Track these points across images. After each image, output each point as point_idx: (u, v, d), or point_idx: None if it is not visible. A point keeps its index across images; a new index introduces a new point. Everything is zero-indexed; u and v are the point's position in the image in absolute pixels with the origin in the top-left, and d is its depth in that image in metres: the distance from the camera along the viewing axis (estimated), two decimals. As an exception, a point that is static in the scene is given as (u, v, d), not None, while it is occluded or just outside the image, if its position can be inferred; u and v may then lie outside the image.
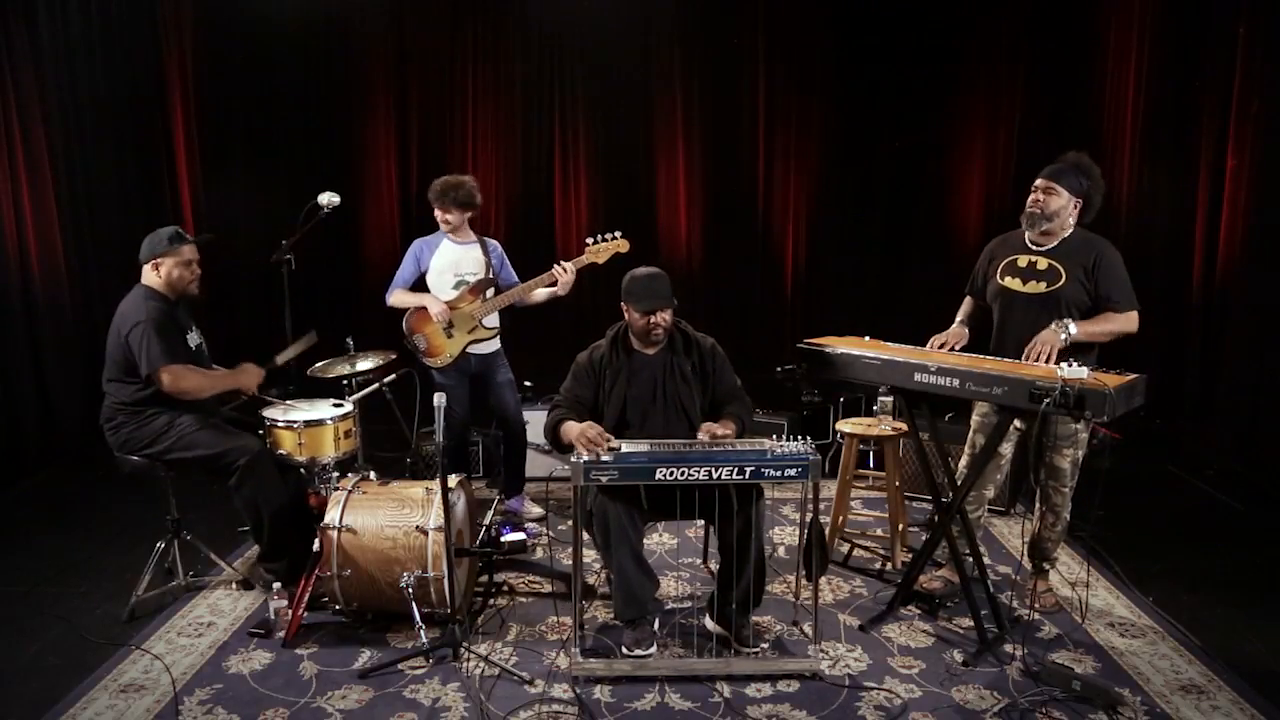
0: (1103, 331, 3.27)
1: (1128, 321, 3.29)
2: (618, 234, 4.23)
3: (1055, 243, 3.35)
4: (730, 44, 6.79)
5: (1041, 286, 3.34)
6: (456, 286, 4.29)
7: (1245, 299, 5.04)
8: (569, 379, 3.42)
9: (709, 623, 3.35)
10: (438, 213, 4.29)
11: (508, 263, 4.46)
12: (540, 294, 4.26)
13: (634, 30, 6.76)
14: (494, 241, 4.48)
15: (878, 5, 6.59)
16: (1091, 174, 3.32)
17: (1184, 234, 5.43)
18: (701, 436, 3.14)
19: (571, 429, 3.15)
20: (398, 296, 4.32)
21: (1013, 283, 3.41)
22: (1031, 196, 3.35)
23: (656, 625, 3.32)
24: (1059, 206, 3.30)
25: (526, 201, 6.97)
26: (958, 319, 3.65)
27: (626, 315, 3.37)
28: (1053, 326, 3.20)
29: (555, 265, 4.20)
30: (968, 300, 3.70)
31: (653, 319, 3.28)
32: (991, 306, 3.53)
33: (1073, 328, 3.18)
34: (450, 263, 4.29)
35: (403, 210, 6.94)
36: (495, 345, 4.39)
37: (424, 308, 4.22)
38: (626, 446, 3.05)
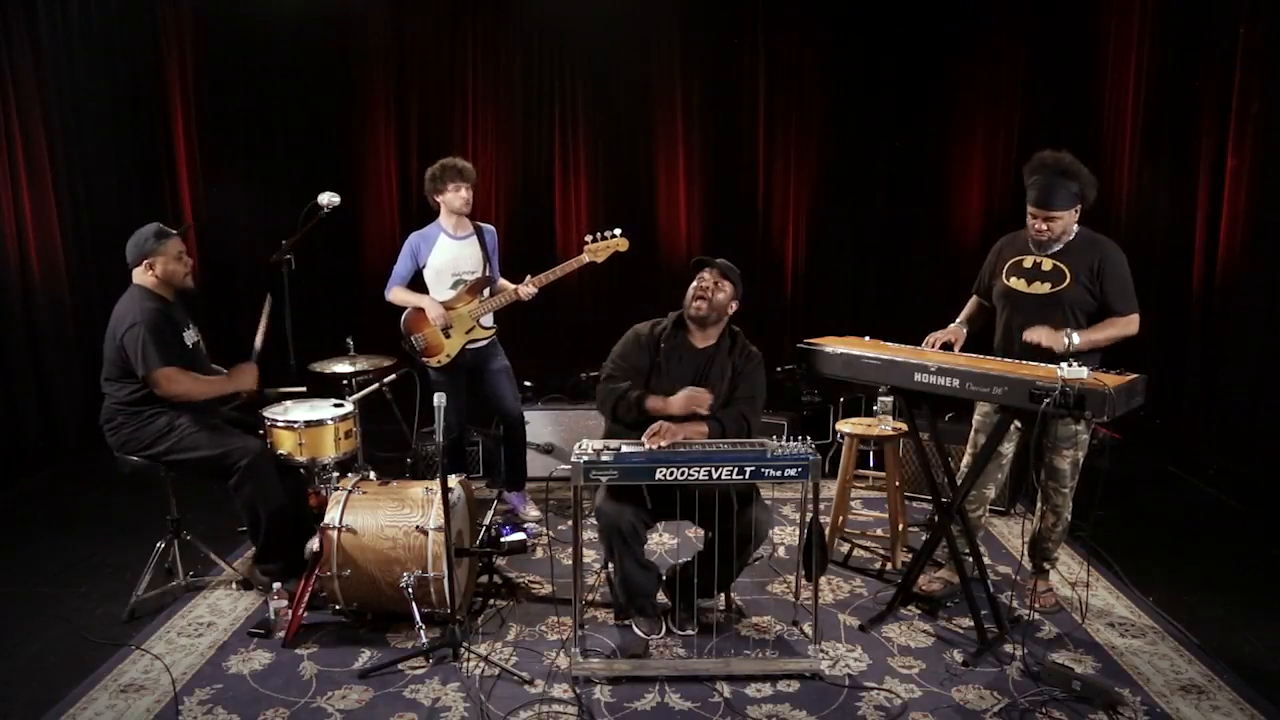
0: (1104, 339, 3.29)
1: (1128, 325, 3.30)
2: (617, 231, 4.20)
3: (1061, 245, 3.35)
4: (730, 43, 6.78)
5: (1046, 287, 3.33)
6: (454, 286, 4.28)
7: (1245, 299, 5.03)
8: (621, 346, 3.37)
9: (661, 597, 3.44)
10: (447, 195, 4.19)
11: (497, 252, 4.41)
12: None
13: (634, 30, 6.75)
14: (490, 228, 4.40)
15: (878, 5, 6.58)
16: (1079, 175, 3.26)
17: (1184, 234, 5.42)
18: (644, 437, 3.06)
19: (674, 401, 3.14)
20: (396, 293, 4.30)
21: (1018, 283, 3.41)
22: (1035, 225, 3.30)
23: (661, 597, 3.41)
24: (1065, 225, 3.29)
25: (526, 201, 6.95)
26: (959, 318, 3.65)
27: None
28: (1062, 331, 3.20)
29: (528, 277, 4.18)
30: (973, 299, 3.70)
31: (699, 280, 3.28)
32: (996, 306, 3.53)
33: (1076, 338, 3.19)
34: (449, 261, 4.27)
35: (403, 210, 6.92)
36: (492, 338, 4.40)
37: (422, 309, 4.22)
38: (626, 447, 3.05)
